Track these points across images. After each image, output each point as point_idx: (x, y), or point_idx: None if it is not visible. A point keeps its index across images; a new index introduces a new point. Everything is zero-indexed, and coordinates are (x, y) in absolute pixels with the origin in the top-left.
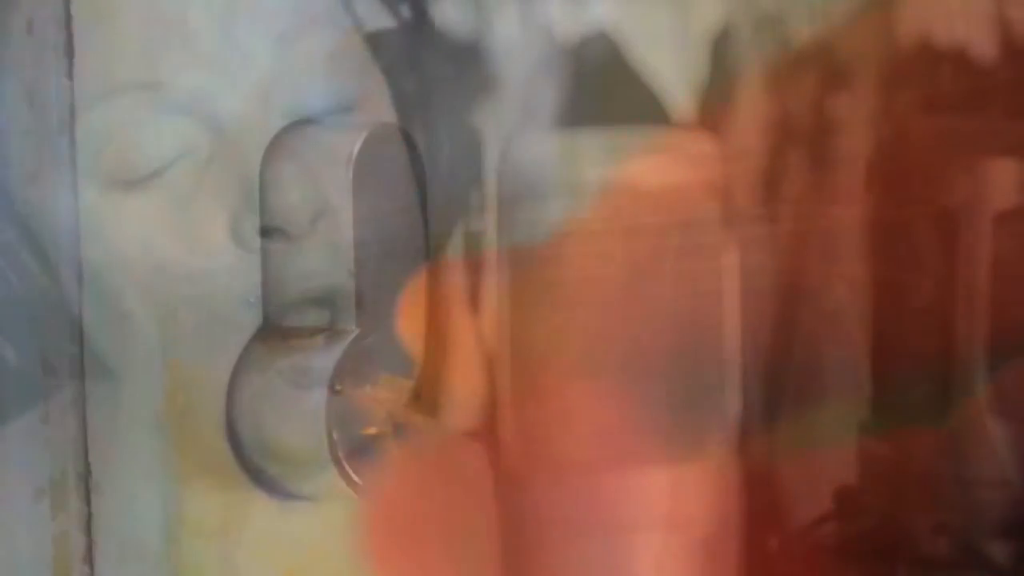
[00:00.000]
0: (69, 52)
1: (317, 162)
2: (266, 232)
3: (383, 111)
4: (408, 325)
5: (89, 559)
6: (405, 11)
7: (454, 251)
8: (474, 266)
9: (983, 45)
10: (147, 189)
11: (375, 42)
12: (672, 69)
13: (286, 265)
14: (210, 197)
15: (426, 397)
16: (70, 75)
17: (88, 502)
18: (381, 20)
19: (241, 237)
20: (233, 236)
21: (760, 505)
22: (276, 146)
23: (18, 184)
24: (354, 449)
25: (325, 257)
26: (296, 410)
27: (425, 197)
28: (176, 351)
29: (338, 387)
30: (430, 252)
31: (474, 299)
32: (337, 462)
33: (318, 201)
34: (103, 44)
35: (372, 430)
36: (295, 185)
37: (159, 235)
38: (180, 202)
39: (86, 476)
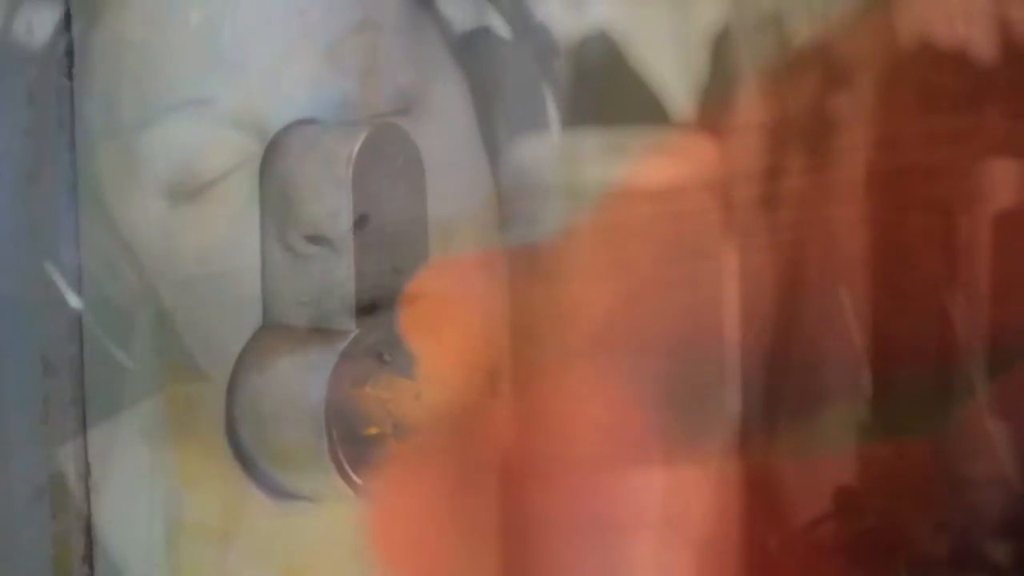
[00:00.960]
0: (69, 52)
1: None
2: (312, 240)
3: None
4: (409, 325)
5: (89, 559)
6: (504, 13)
7: (455, 251)
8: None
9: (983, 45)
10: (204, 200)
11: (464, 44)
12: (672, 69)
13: (330, 270)
14: (419, 212)
15: (427, 397)
16: (70, 75)
17: (88, 502)
18: (466, 22)
19: (288, 244)
20: (281, 243)
21: (760, 505)
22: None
23: (18, 184)
24: (354, 449)
25: (368, 260)
26: (296, 410)
27: (425, 197)
28: (176, 351)
29: (387, 357)
30: (431, 251)
31: (475, 298)
32: (337, 462)
33: (359, 206)
34: (154, 65)
35: (372, 430)
36: (329, 190)
37: (216, 242)
38: (235, 211)
39: (86, 476)
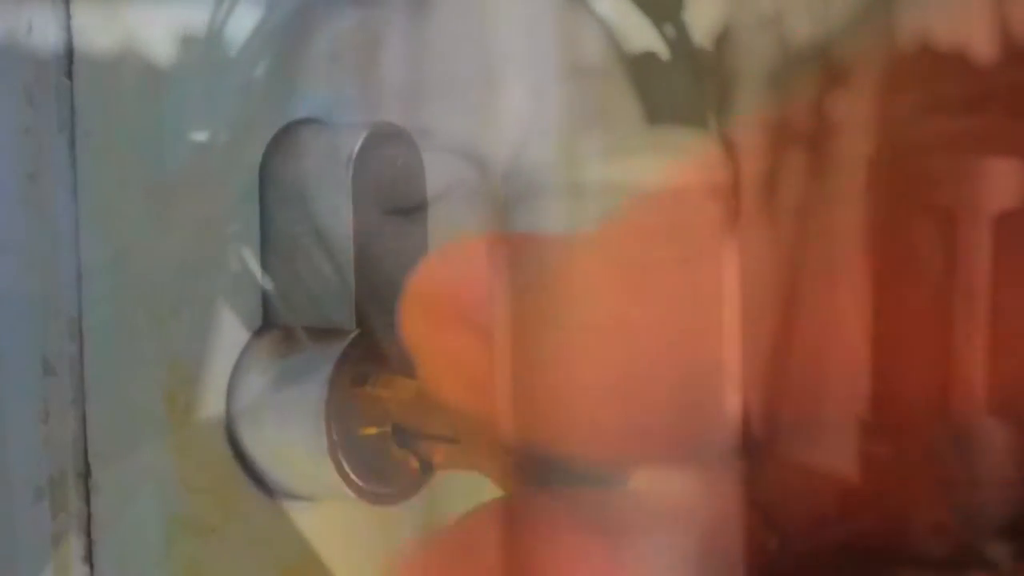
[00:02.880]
0: (69, 51)
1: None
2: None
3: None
4: (409, 325)
5: (89, 559)
6: (669, 32)
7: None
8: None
9: (983, 45)
10: (422, 217)
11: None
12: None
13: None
14: (471, 225)
15: (427, 396)
16: (70, 75)
17: (88, 502)
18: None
19: (288, 244)
20: (281, 242)
21: (760, 505)
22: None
23: (18, 184)
24: (354, 449)
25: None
26: (296, 410)
27: (425, 196)
28: (176, 351)
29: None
30: (430, 251)
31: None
32: (337, 462)
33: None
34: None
35: (372, 430)
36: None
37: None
38: (447, 228)
39: (86, 476)
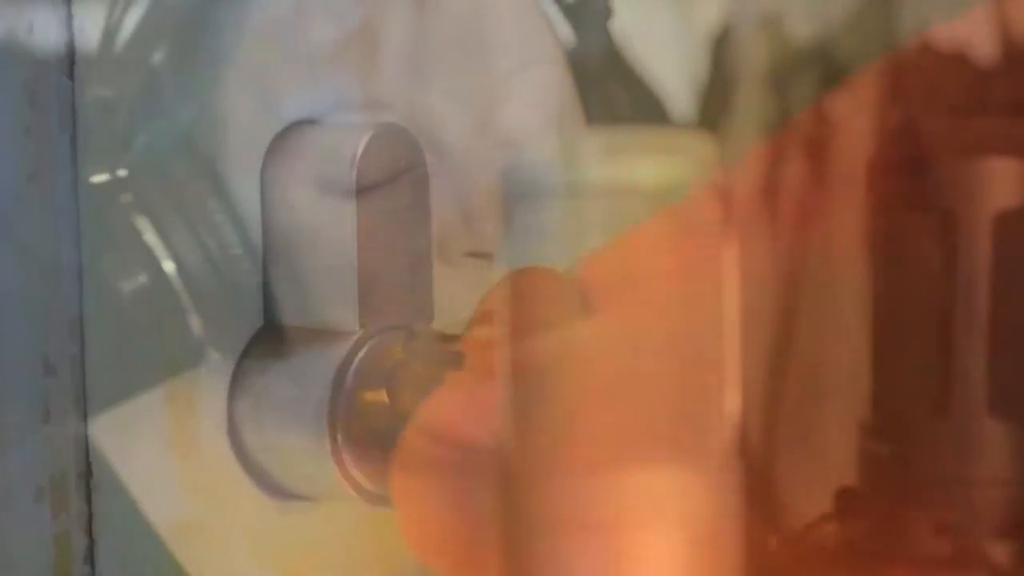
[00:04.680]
0: (70, 51)
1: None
2: (474, 255)
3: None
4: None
5: (89, 559)
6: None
7: (458, 250)
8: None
9: (983, 45)
10: (366, 199)
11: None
12: (672, 69)
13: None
14: (423, 213)
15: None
16: (70, 75)
17: (88, 502)
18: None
19: (446, 255)
20: (439, 253)
21: (760, 505)
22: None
23: (18, 184)
24: (355, 449)
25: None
26: (298, 410)
27: (428, 196)
28: (177, 351)
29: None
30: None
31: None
32: (338, 462)
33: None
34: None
35: (373, 427)
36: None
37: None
38: (394, 214)
39: (86, 476)
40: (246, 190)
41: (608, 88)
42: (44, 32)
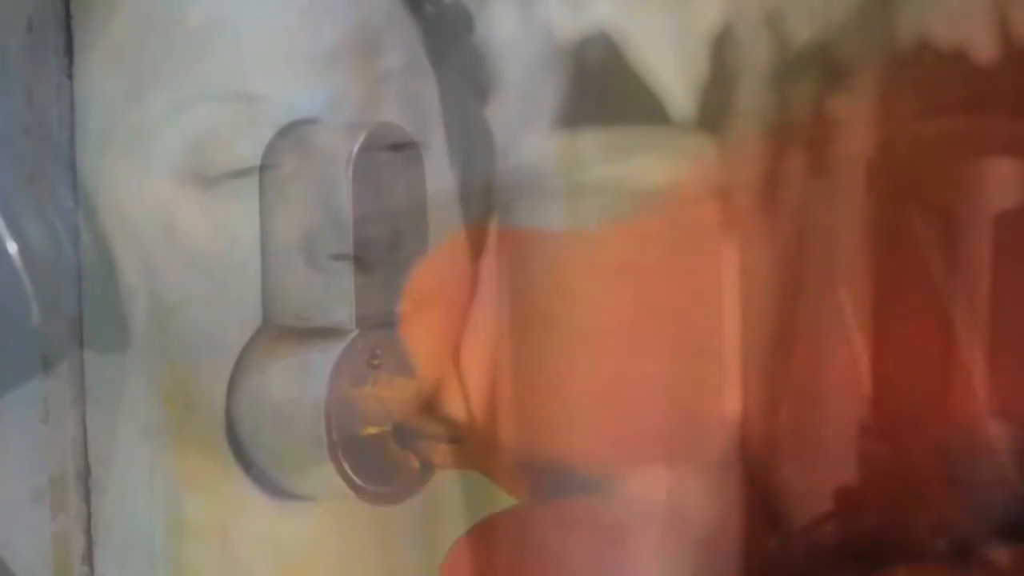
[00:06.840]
0: (69, 51)
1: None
2: (341, 258)
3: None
4: (409, 324)
5: (89, 559)
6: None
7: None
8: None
9: (983, 45)
10: (225, 190)
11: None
12: (672, 69)
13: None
14: (287, 212)
15: (427, 396)
16: (70, 74)
17: (88, 502)
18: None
19: (312, 257)
20: (304, 254)
21: (760, 505)
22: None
23: (18, 184)
24: (354, 449)
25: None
26: (296, 410)
27: (425, 196)
28: (176, 351)
29: (377, 359)
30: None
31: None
32: (337, 462)
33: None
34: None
35: (372, 430)
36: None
37: (226, 235)
38: (256, 210)
39: (86, 476)
40: (245, 188)
41: (608, 88)
42: (43, 32)
